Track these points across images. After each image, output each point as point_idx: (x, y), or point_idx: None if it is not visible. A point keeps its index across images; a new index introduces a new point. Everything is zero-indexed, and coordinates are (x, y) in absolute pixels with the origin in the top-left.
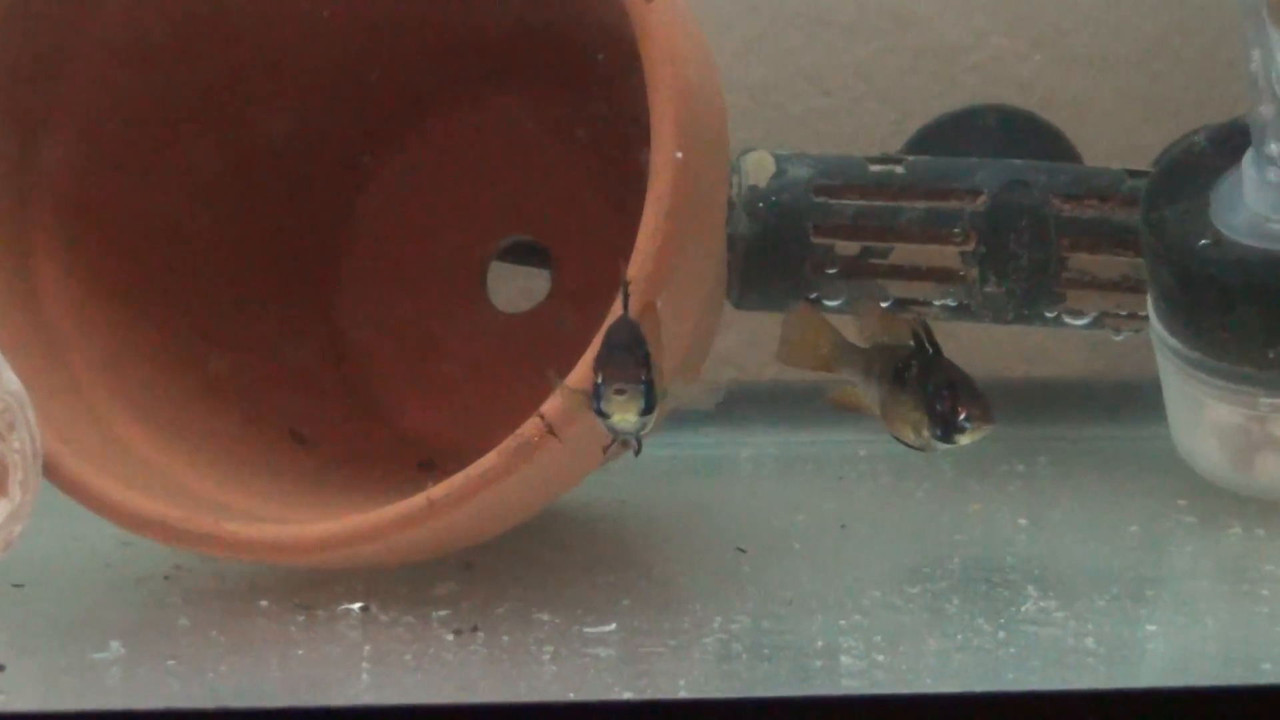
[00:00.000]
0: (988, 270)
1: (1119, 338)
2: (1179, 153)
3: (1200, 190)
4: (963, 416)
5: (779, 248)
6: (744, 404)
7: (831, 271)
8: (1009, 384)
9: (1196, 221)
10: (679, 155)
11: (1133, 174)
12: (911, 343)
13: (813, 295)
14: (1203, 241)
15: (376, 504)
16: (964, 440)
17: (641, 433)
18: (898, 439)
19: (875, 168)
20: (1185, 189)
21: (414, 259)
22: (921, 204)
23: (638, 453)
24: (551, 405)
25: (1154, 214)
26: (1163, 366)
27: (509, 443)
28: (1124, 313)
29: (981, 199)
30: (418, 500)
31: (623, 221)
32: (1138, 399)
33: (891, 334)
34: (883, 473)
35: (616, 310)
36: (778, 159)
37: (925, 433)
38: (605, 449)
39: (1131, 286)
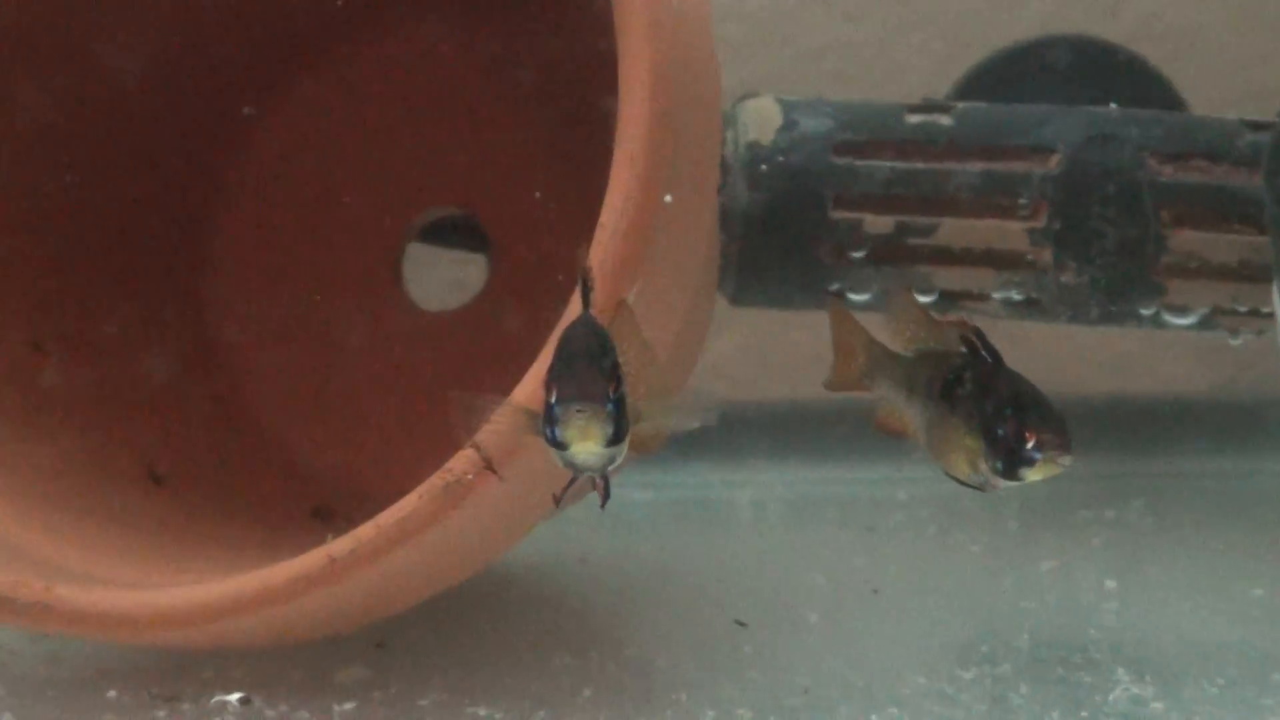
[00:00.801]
0: (1063, 253)
1: (1236, 341)
2: None
3: None
4: (1032, 445)
5: (788, 225)
6: (744, 430)
7: (858, 256)
8: (1091, 404)
9: None
10: (656, 104)
11: (1253, 126)
12: (963, 349)
13: (833, 288)
14: None
15: (260, 563)
16: (1034, 476)
17: (609, 469)
18: (948, 474)
19: (915, 118)
20: None
21: (307, 240)
22: (976, 166)
23: (605, 497)
24: (490, 433)
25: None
26: None
27: (434, 482)
28: (1243, 308)
29: (1054, 159)
30: (314, 558)
31: (582, 191)
32: (1262, 422)
33: (937, 338)
34: (927, 521)
35: (575, 307)
36: (785, 107)
37: (983, 466)
38: (561, 493)
39: (1252, 274)
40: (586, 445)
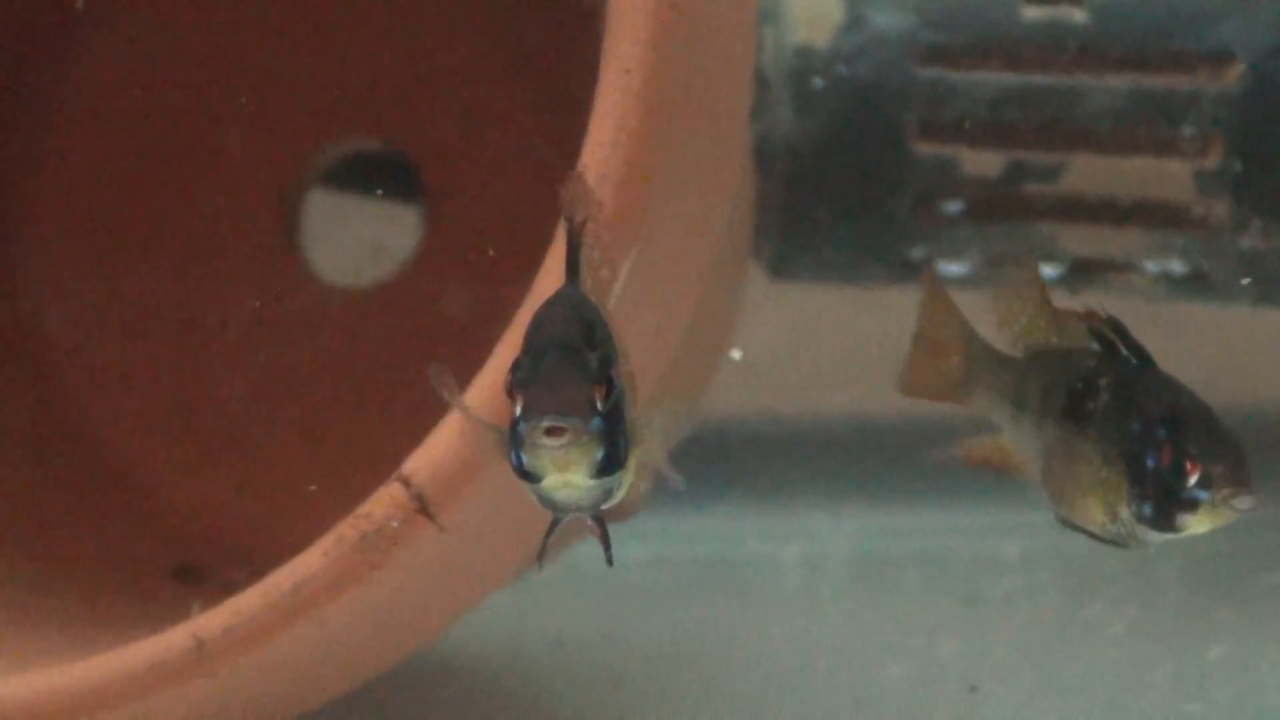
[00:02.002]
0: (1246, 205)
1: None
2: None
3: None
4: (1196, 480)
5: (852, 164)
6: (789, 458)
7: (952, 209)
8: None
9: None
10: None
11: None
12: (1095, 346)
13: (915, 254)
14: None
15: (99, 645)
16: (1199, 526)
17: (604, 508)
18: (1071, 525)
19: (1035, 11)
20: None
21: (162, 189)
22: (1122, 80)
23: (607, 548)
24: (427, 457)
25: None
26: None
27: (345, 532)
28: None
29: (1234, 70)
30: (172, 641)
31: (553, 119)
32: None
33: (1063, 331)
34: (1048, 588)
35: (552, 277)
36: None
37: (1125, 512)
38: (541, 543)
39: None
40: (566, 477)
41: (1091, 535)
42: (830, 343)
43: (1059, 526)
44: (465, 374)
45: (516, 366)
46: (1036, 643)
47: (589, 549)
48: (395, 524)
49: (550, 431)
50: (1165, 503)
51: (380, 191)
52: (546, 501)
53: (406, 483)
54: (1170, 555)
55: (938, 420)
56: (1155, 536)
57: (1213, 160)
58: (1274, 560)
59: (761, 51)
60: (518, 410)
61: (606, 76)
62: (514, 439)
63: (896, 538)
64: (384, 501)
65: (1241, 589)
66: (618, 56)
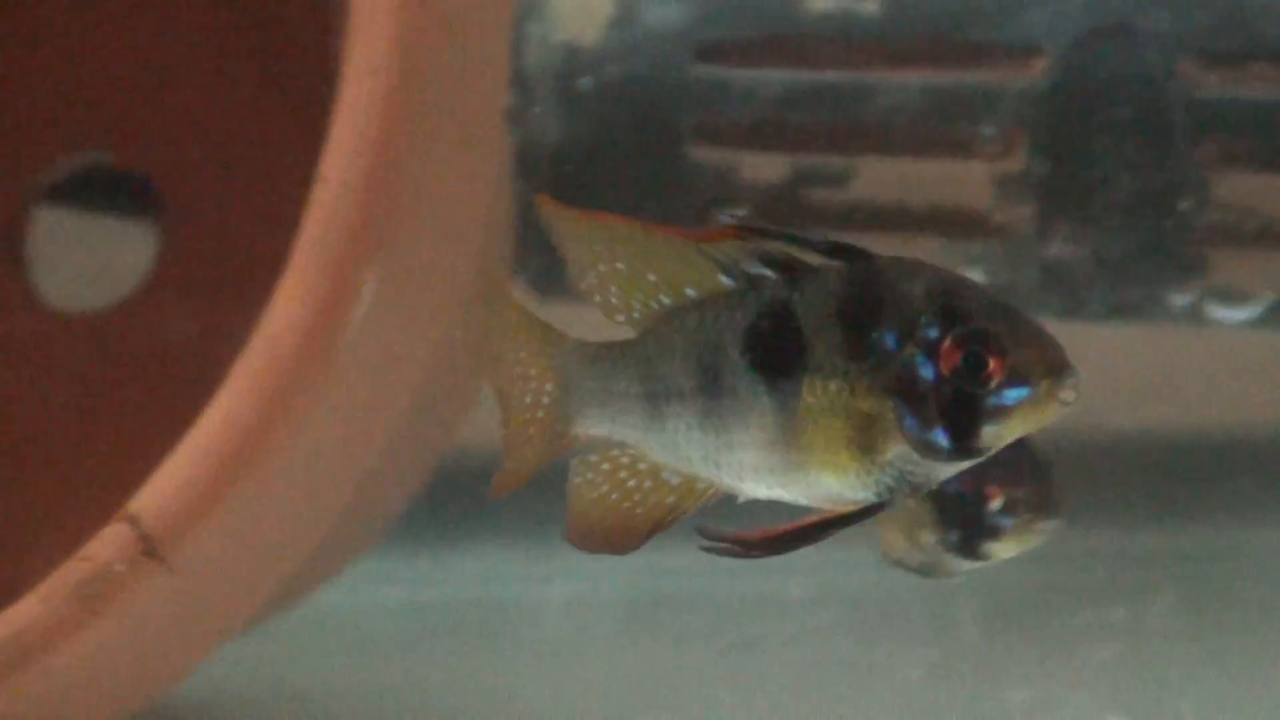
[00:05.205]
0: (1051, 211)
1: None
2: None
3: None
4: (997, 505)
5: (624, 170)
6: (555, 494)
7: (734, 219)
8: (1098, 446)
9: None
10: None
11: None
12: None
13: None
14: None
15: None
16: (1005, 551)
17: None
18: (885, 555)
19: (820, 2)
20: None
21: None
22: (916, 75)
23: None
24: (155, 493)
25: None
26: None
27: (62, 578)
28: None
29: (1039, 64)
30: None
31: (301, 129)
32: None
33: None
34: (835, 629)
35: (286, 299)
36: None
37: (927, 538)
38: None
39: None
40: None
41: (897, 564)
42: None
43: (845, 565)
44: (199, 398)
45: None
46: (821, 687)
47: (336, 593)
48: (120, 567)
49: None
50: (970, 530)
51: (110, 209)
52: None
53: (133, 522)
54: (968, 594)
55: None
56: (963, 565)
57: (1016, 162)
58: (1084, 595)
59: (524, 50)
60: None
61: (348, 79)
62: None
63: (671, 578)
64: (107, 542)
65: (1048, 627)
66: (361, 57)
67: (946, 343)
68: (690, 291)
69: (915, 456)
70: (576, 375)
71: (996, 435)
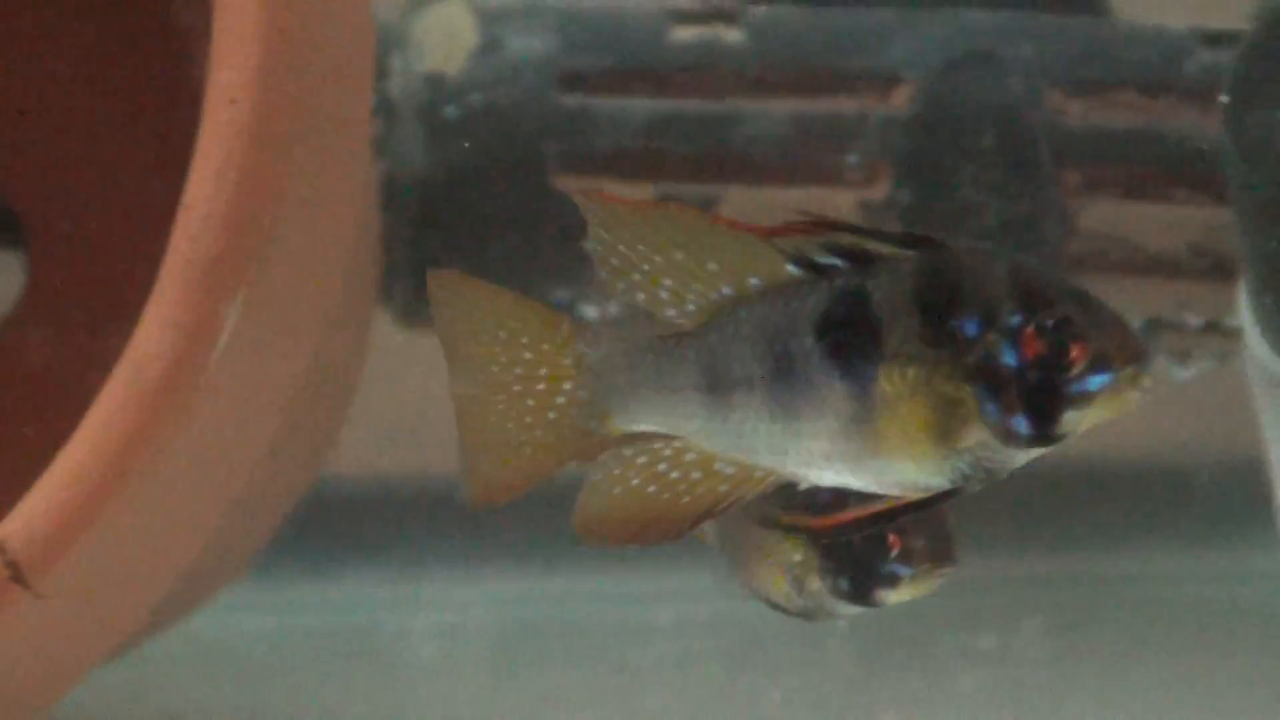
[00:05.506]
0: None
1: (1186, 374)
2: None
3: None
4: (896, 555)
5: (491, 199)
6: (422, 520)
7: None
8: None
9: None
10: (273, 15)
11: (1209, 39)
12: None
13: (563, 298)
14: None
15: None
16: (899, 598)
17: None
18: (753, 594)
19: (686, 32)
20: None
21: None
22: (782, 104)
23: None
24: (22, 518)
25: (1250, 120)
26: (1272, 436)
27: None
28: (1194, 320)
29: (902, 92)
30: None
31: (167, 158)
32: (1221, 501)
33: None
34: (706, 655)
35: (151, 327)
36: (485, 18)
37: (815, 584)
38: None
39: (1206, 267)
40: None
41: (774, 606)
42: None
43: (716, 592)
44: (66, 426)
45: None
46: (689, 714)
47: (206, 619)
48: None
49: None
50: (863, 577)
51: None
52: None
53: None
54: (837, 621)
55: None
56: (849, 610)
57: (880, 190)
58: (950, 620)
59: (388, 79)
60: None
61: (210, 107)
62: None
63: (540, 604)
64: None
65: (914, 653)
66: (222, 85)
67: (1030, 329)
68: (754, 281)
69: (994, 443)
70: (614, 371)
71: (1076, 422)
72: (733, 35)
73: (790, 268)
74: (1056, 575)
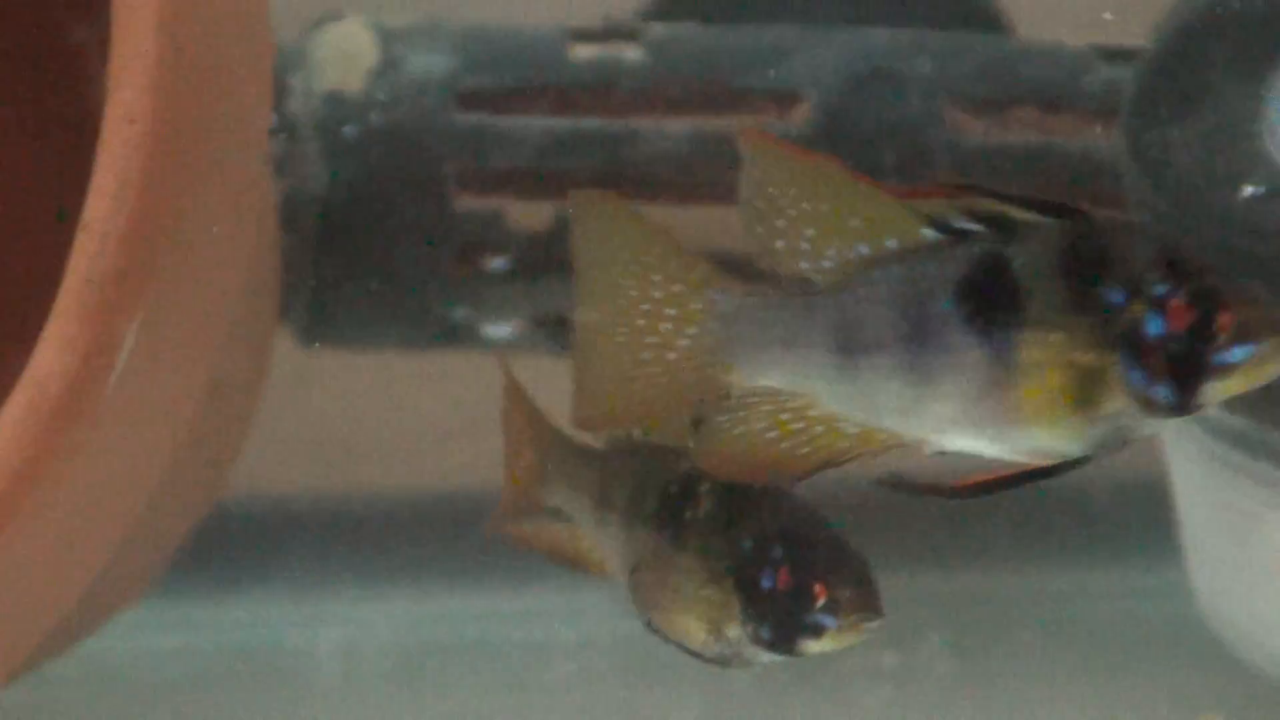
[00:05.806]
0: None
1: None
2: (1199, 12)
3: (1242, 88)
4: (821, 605)
5: (391, 218)
6: (325, 538)
7: (500, 266)
8: (863, 491)
9: (1235, 151)
10: (168, 31)
11: (1109, 54)
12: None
13: (461, 317)
14: (1249, 190)
15: None
16: (822, 648)
17: None
18: (663, 637)
19: (585, 50)
20: (1213, 87)
21: None
22: (681, 121)
23: None
24: None
25: (1150, 136)
26: (1174, 456)
27: None
28: None
29: (801, 109)
30: None
31: (67, 177)
32: (1122, 518)
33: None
34: (608, 674)
35: (50, 348)
36: (384, 36)
37: (734, 631)
38: None
39: None
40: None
41: (690, 652)
42: (369, 413)
43: (618, 611)
44: None
45: None
46: None
47: (107, 639)
48: None
49: None
50: (787, 627)
51: None
52: None
53: None
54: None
55: (491, 497)
56: (768, 657)
57: None
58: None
59: (287, 98)
60: None
61: (108, 126)
62: None
63: (443, 623)
64: None
65: (815, 674)
66: (119, 104)
67: (1177, 299)
68: (891, 243)
69: (1133, 411)
70: (745, 324)
71: (1219, 392)
72: (632, 53)
73: (927, 231)
74: (959, 592)
